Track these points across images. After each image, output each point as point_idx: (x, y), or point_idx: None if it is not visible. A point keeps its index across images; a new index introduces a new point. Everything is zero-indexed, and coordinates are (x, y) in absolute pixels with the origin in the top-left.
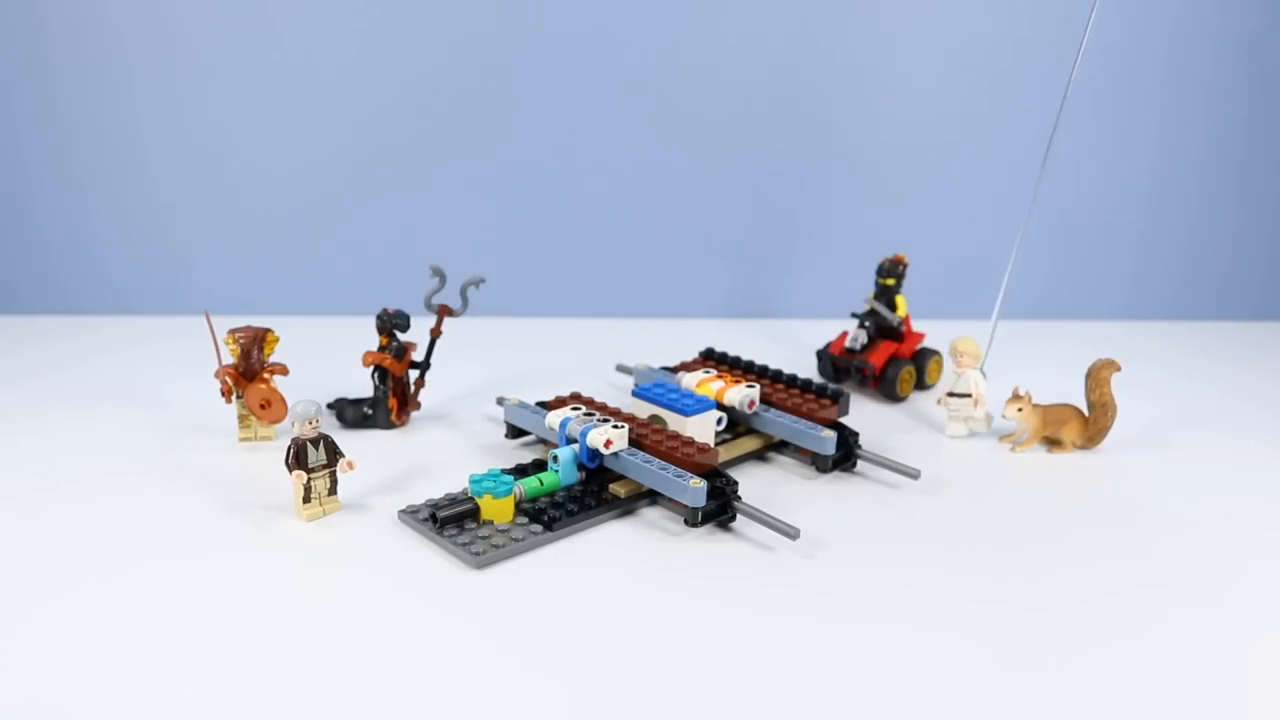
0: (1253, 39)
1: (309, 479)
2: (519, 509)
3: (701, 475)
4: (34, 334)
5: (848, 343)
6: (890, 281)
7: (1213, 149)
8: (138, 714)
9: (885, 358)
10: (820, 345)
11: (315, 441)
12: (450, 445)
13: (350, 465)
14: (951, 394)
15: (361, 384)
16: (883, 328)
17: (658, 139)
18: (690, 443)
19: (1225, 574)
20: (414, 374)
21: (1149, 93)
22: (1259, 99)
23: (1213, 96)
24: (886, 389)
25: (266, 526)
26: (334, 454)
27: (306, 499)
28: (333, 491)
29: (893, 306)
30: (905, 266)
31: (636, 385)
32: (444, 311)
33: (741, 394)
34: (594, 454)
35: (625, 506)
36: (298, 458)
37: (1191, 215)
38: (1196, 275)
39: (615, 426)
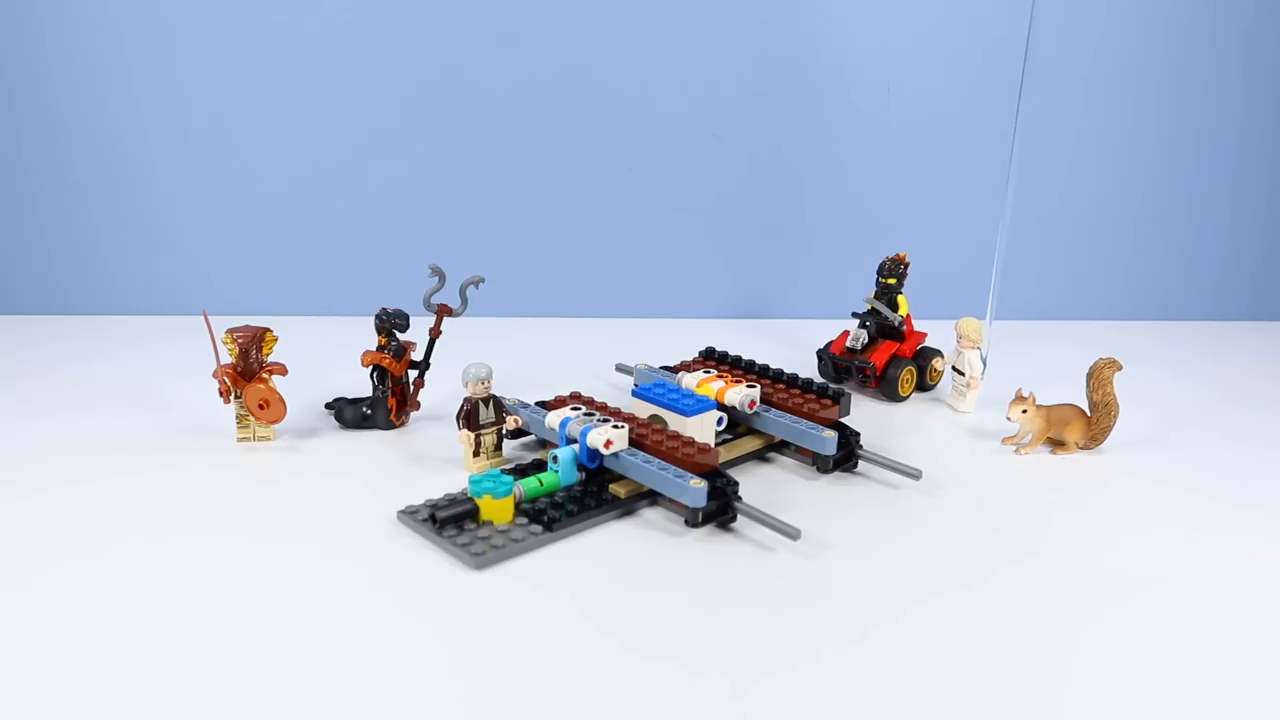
0: (1248, 39)
1: (478, 435)
2: (519, 509)
3: (702, 475)
4: (31, 334)
5: (848, 342)
6: (891, 281)
7: (1209, 149)
8: (139, 713)
9: (886, 358)
10: (821, 345)
11: (486, 401)
12: (449, 445)
13: (517, 422)
14: (954, 369)
15: (360, 384)
16: (884, 327)
17: (658, 139)
18: (690, 443)
19: (1228, 572)
20: (413, 374)
21: (1146, 93)
22: (1254, 99)
23: (1209, 97)
24: (887, 389)
25: (265, 528)
26: (501, 412)
27: (476, 453)
28: (499, 448)
29: (894, 306)
30: (906, 266)
31: (636, 385)
32: (443, 311)
33: (742, 394)
34: (594, 454)
35: (625, 506)
36: (469, 417)
37: (1188, 216)
38: (1193, 276)
39: (615, 426)
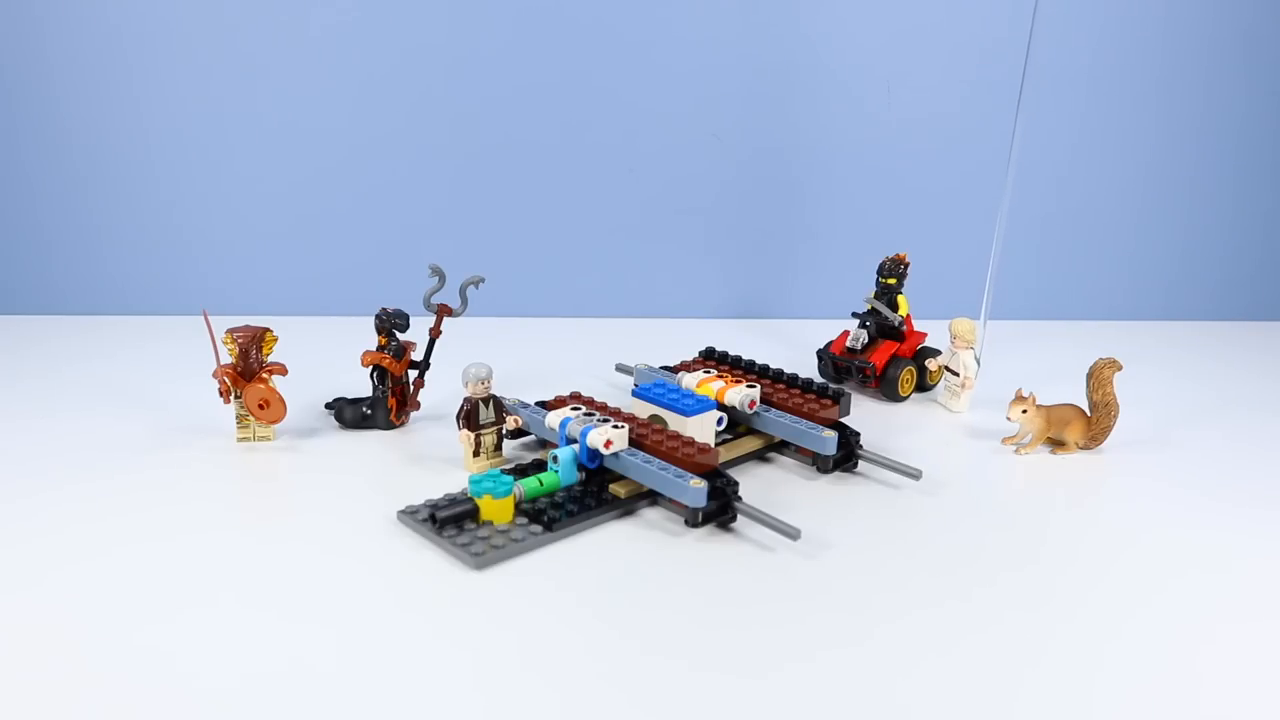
0: (1248, 38)
1: (478, 435)
2: (519, 509)
3: (702, 475)
4: (32, 334)
5: (848, 342)
6: (891, 281)
7: (1209, 148)
8: (140, 712)
9: (886, 357)
10: (821, 345)
11: (486, 401)
12: (449, 445)
13: (517, 422)
14: (947, 369)
15: (360, 384)
16: (883, 327)
17: (658, 139)
18: (690, 443)
19: (1228, 572)
20: (413, 374)
21: (1146, 93)
22: (1254, 99)
23: (1208, 96)
24: (887, 389)
25: (265, 528)
26: (501, 412)
27: (476, 453)
28: (499, 448)
29: (894, 306)
30: (906, 266)
31: (636, 385)
32: (443, 311)
33: (742, 394)
34: (594, 454)
35: (625, 506)
36: (469, 418)
37: (1188, 216)
38: (1193, 276)
39: (615, 426)
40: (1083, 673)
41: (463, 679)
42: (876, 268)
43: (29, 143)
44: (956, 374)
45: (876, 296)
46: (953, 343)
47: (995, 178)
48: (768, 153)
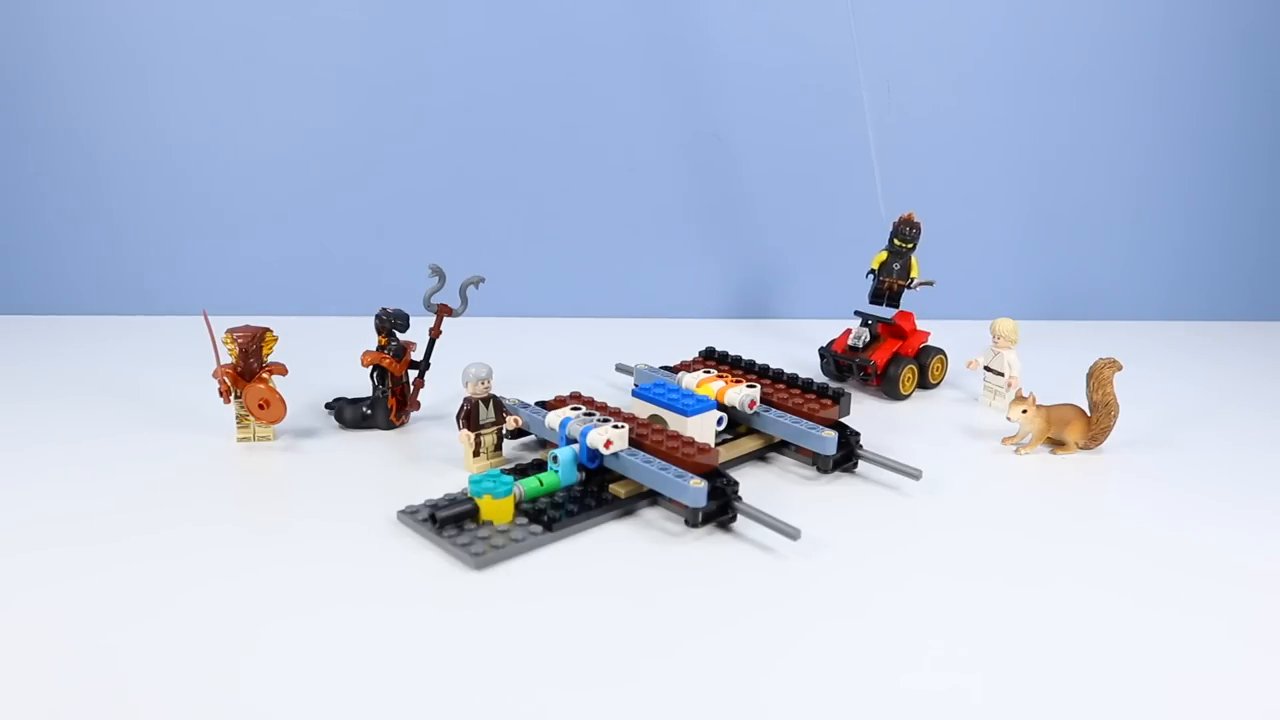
0: (1246, 38)
1: (478, 435)
2: (519, 509)
3: (702, 475)
4: (32, 334)
5: (851, 340)
6: (910, 246)
7: (1207, 148)
8: (138, 712)
9: (888, 356)
10: (822, 343)
11: (486, 401)
12: (449, 445)
13: (517, 422)
14: (988, 369)
15: (360, 384)
16: (885, 327)
17: (657, 138)
18: (690, 443)
19: (1227, 572)
20: (413, 374)
21: (1144, 92)
22: (1252, 99)
23: (1207, 96)
24: (889, 387)
25: (264, 528)
26: (501, 412)
27: (476, 453)
28: (499, 448)
29: (908, 269)
30: (917, 227)
31: (636, 385)
32: (443, 311)
33: (742, 394)
34: (594, 454)
35: (625, 507)
36: (469, 418)
37: (1187, 216)
38: (1193, 276)
39: (615, 426)
40: (1081, 672)
41: (463, 679)
42: (893, 233)
43: (30, 143)
44: (1000, 374)
45: (890, 260)
46: (995, 343)
47: (996, 178)
48: (768, 152)
